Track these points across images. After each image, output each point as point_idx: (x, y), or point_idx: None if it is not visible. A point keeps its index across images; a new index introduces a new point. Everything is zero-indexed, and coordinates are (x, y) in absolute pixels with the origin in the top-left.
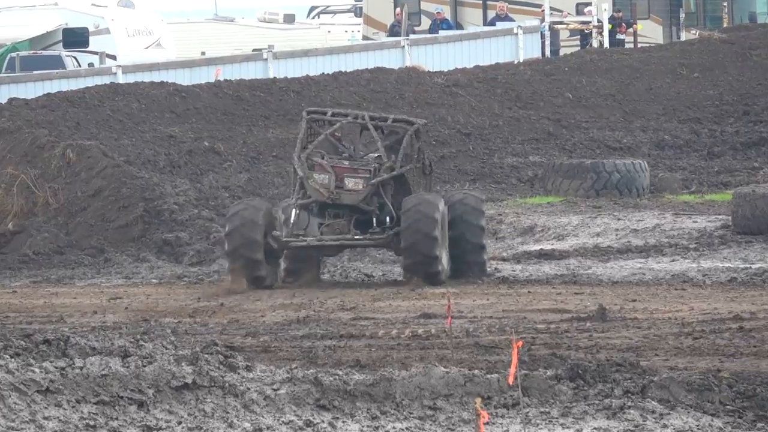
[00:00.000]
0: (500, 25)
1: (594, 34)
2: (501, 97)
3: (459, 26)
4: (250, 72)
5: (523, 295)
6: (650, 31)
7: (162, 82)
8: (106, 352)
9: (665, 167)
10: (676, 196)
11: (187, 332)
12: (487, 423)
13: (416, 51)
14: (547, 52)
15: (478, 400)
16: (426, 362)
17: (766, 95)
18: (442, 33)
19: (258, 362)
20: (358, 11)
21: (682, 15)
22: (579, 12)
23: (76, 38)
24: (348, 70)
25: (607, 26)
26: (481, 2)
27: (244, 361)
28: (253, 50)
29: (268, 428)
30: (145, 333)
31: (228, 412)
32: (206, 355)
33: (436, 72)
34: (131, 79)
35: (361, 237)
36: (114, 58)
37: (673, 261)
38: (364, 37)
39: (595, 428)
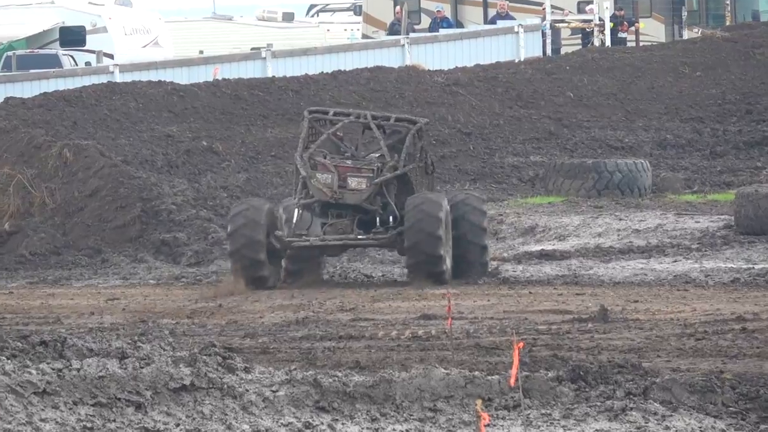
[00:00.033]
0: (501, 24)
1: (596, 33)
2: (502, 96)
3: (459, 24)
4: (249, 71)
5: (524, 295)
6: (652, 30)
7: (159, 81)
8: (104, 354)
9: (667, 167)
10: (678, 196)
11: (185, 333)
12: (488, 425)
13: (416, 50)
14: (549, 51)
15: (479, 401)
16: (426, 363)
17: None
18: (443, 31)
19: (257, 363)
20: (357, 9)
21: (685, 13)
22: (580, 10)
23: (73, 37)
24: (347, 69)
25: (608, 25)
26: (481, 0)
27: (243, 362)
28: (252, 49)
29: (267, 430)
30: (142, 334)
31: (226, 414)
32: (204, 357)
33: (436, 71)
34: (128, 78)
35: (364, 237)
36: (111, 56)
37: (675, 261)
38: (364, 36)
39: (596, 430)
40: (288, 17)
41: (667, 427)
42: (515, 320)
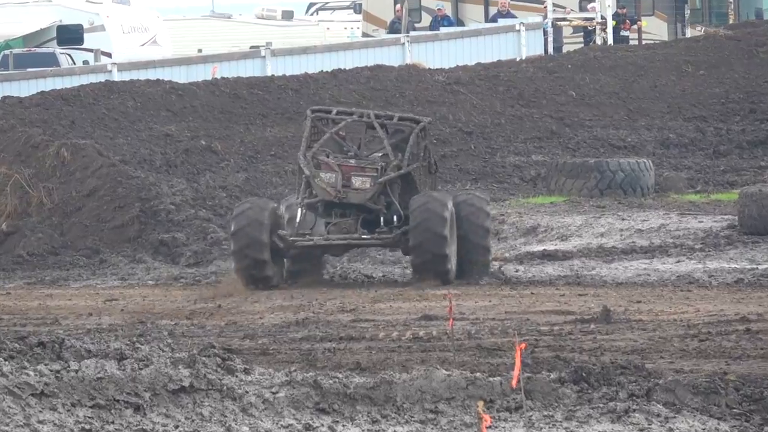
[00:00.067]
0: (502, 22)
1: (598, 31)
2: (503, 95)
3: (460, 23)
4: (248, 70)
5: (525, 296)
6: (655, 28)
7: (158, 80)
8: (102, 355)
9: (670, 166)
10: (681, 196)
11: (184, 334)
12: (490, 427)
13: (417, 48)
14: (550, 50)
15: (480, 403)
16: (427, 365)
17: None
18: (443, 30)
19: (256, 365)
20: (357, 8)
21: (687, 11)
22: (582, 8)
23: (70, 35)
24: (347, 68)
25: (611, 23)
26: None
27: (243, 363)
28: (251, 47)
29: None
30: (141, 335)
31: (226, 416)
32: (204, 358)
33: (436, 69)
34: (127, 76)
35: (368, 236)
36: (109, 55)
37: (678, 262)
38: (364, 34)
39: None
40: (287, 15)
41: (671, 429)
42: (517, 321)
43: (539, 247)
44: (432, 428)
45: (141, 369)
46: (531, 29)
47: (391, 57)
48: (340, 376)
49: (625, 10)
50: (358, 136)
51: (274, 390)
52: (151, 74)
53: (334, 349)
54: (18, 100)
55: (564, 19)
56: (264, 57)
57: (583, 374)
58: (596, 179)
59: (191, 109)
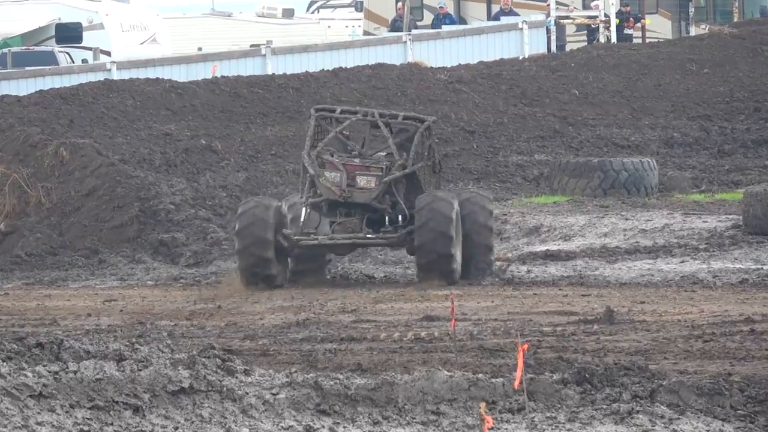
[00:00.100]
0: (504, 20)
1: (601, 29)
2: (506, 93)
3: (462, 21)
4: (248, 68)
5: (528, 297)
6: (659, 26)
7: (157, 79)
8: (101, 356)
9: (674, 166)
10: (685, 196)
11: (184, 335)
12: (492, 428)
13: (418, 46)
14: (553, 48)
15: (483, 404)
16: (429, 366)
17: None
18: (445, 28)
19: (257, 366)
20: (358, 6)
21: (692, 9)
22: (586, 6)
23: (69, 33)
24: (348, 66)
25: (614, 21)
26: None
27: (243, 364)
28: (251, 46)
29: None
30: (140, 336)
31: (226, 418)
32: (203, 359)
33: (438, 68)
34: (126, 75)
35: (373, 236)
36: (108, 54)
37: (682, 262)
38: (365, 33)
39: None
40: (288, 14)
41: (675, 431)
42: (519, 322)
43: (542, 247)
44: (434, 430)
45: (140, 370)
46: (534, 27)
47: (392, 55)
48: (341, 377)
49: (628, 8)
50: (362, 135)
51: (274, 391)
52: (151, 73)
53: (335, 350)
54: (16, 99)
55: (567, 17)
56: (264, 55)
57: (586, 375)
58: (599, 179)
59: (191, 108)
